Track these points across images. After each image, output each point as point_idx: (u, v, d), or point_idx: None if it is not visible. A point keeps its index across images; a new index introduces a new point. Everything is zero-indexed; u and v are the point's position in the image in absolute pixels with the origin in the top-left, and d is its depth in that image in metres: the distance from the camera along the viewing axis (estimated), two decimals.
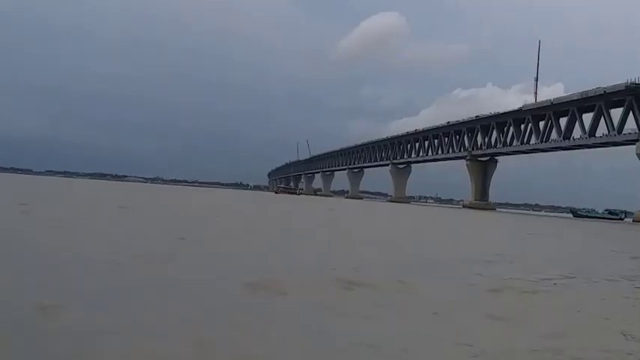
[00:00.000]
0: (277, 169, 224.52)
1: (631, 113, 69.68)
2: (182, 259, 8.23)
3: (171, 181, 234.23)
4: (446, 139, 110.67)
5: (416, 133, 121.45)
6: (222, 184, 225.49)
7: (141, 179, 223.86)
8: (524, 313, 5.85)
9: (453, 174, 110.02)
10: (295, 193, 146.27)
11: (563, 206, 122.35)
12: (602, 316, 5.94)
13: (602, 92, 72.14)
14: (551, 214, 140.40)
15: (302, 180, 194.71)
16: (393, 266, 9.33)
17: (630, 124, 70.13)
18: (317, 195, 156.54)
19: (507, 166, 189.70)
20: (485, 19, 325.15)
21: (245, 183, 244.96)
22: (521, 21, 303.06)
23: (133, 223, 15.94)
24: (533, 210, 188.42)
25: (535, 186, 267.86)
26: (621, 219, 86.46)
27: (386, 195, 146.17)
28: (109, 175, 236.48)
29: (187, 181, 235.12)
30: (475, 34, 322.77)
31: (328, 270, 7.94)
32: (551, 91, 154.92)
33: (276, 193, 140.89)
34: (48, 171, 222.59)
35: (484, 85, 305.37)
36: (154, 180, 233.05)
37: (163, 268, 7.22)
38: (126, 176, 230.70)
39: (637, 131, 68.51)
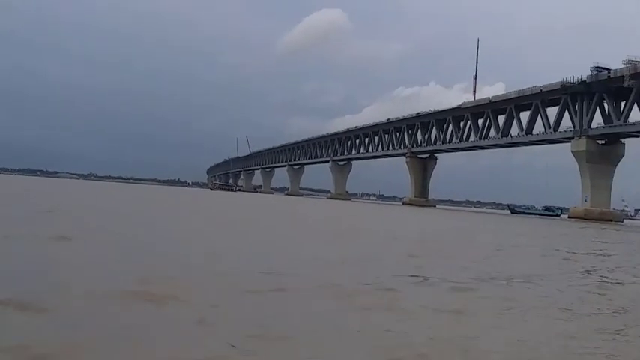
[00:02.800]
0: (216, 166, 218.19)
1: (566, 112, 69.33)
2: None
3: (106, 177, 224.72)
4: (386, 136, 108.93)
5: (356, 129, 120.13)
6: (159, 181, 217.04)
7: (74, 176, 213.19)
8: None
9: (398, 172, 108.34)
10: (231, 190, 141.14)
11: (505, 203, 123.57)
12: None
13: (539, 91, 71.78)
14: (491, 210, 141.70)
15: (241, 177, 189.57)
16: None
17: (566, 122, 69.90)
18: (256, 192, 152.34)
19: (452, 163, 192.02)
20: (430, 18, 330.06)
21: (183, 180, 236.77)
22: (466, 21, 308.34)
23: None
24: (474, 207, 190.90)
25: (478, 184, 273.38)
26: (557, 215, 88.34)
27: (327, 192, 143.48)
28: (39, 171, 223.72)
29: (122, 178, 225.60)
30: (419, 33, 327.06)
31: None
32: (493, 90, 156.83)
33: (211, 189, 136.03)
34: None
35: (427, 84, 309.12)
36: (87, 177, 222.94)
37: None
38: (57, 173, 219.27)
39: (572, 129, 68.08)
